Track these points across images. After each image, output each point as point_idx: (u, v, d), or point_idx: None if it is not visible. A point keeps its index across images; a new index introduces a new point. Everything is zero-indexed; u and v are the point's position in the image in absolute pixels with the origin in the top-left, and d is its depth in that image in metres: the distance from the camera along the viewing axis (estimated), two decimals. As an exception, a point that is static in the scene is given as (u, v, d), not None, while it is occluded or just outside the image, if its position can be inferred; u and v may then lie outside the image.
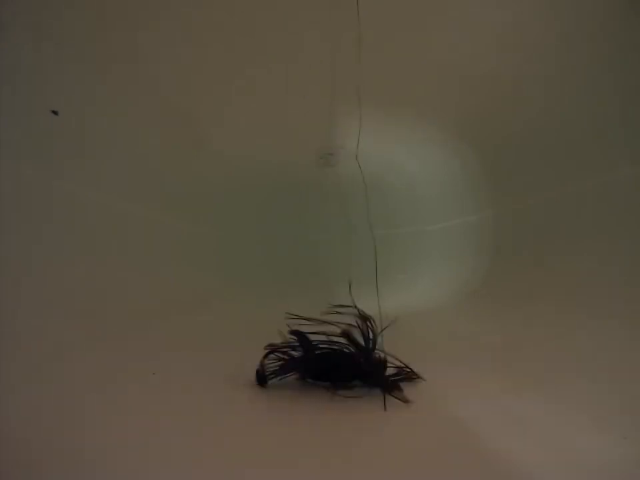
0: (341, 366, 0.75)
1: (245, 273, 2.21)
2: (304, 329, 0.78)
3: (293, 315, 0.78)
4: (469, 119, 1.59)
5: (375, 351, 0.76)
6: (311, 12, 1.10)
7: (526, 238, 1.56)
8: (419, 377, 0.77)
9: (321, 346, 0.77)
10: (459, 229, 2.02)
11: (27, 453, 0.52)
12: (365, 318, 0.77)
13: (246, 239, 2.38)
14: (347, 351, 0.76)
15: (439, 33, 1.23)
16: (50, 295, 1.05)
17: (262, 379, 0.77)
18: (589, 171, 1.26)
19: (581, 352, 0.94)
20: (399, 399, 0.69)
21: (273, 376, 0.77)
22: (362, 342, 0.77)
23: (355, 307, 0.79)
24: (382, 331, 0.78)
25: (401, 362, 0.77)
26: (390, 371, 0.76)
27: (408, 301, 1.84)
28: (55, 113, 1.07)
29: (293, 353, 0.79)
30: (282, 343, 0.79)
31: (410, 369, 0.77)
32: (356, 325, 0.77)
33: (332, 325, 0.76)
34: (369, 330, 0.77)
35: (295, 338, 0.79)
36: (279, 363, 0.78)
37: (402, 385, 0.73)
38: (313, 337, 0.78)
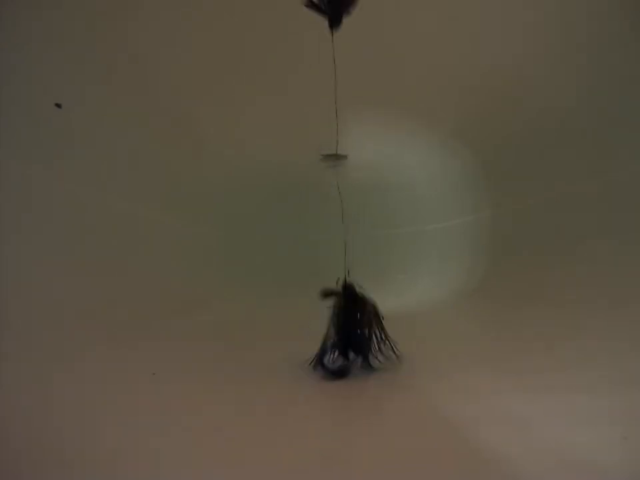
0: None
1: (245, 273, 2.20)
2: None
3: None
4: (468, 119, 1.59)
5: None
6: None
7: (526, 238, 1.56)
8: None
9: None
10: (459, 229, 2.02)
11: (39, 453, 0.52)
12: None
13: (246, 239, 2.38)
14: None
15: (439, 34, 1.23)
16: (50, 295, 1.05)
17: (340, 372, 0.84)
18: (589, 171, 1.26)
19: (580, 352, 0.94)
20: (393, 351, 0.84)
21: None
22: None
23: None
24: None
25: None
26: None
27: (407, 300, 1.84)
28: (58, 105, 1.06)
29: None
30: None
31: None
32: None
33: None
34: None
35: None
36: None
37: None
38: None
